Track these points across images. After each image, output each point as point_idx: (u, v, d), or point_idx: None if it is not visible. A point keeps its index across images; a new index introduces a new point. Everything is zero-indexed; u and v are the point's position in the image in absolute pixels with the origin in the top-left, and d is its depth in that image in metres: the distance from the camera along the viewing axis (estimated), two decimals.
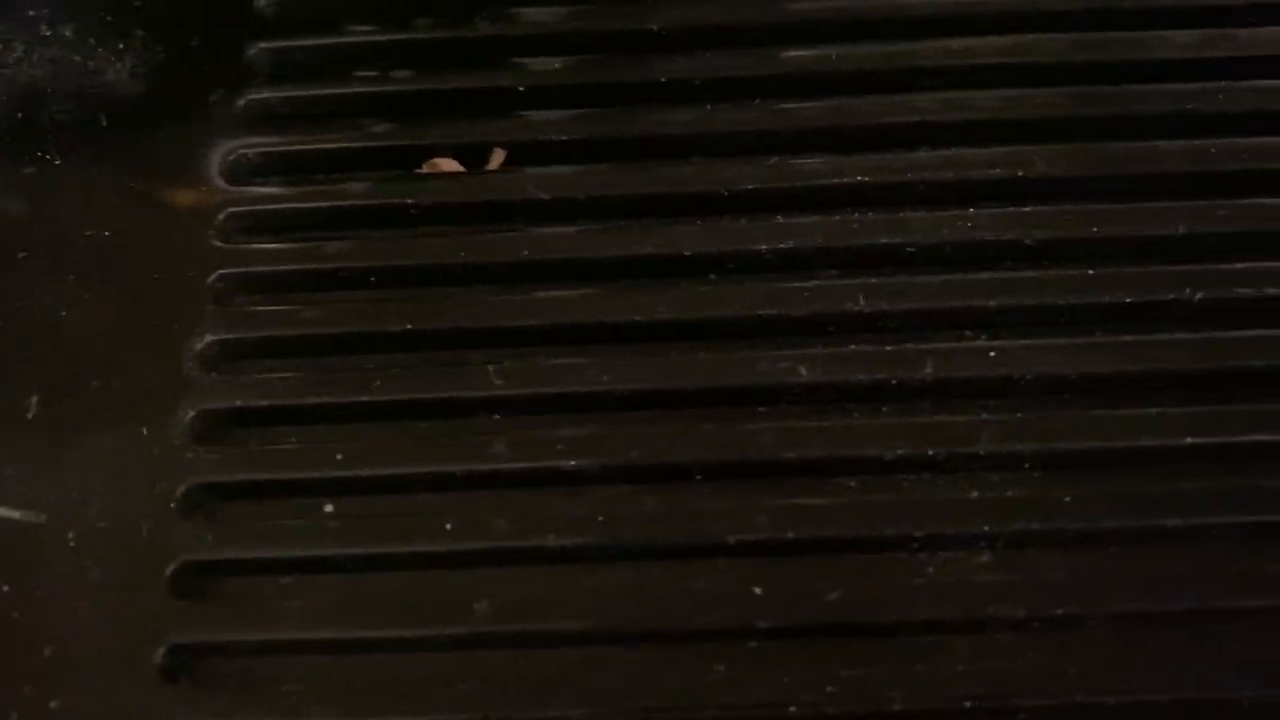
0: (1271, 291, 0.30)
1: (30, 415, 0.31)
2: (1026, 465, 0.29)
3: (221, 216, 0.33)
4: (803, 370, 0.30)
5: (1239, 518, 0.28)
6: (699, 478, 0.29)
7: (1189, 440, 0.29)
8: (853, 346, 0.30)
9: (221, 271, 0.32)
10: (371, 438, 0.30)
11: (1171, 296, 0.30)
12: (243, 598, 0.29)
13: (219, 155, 0.34)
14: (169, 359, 0.31)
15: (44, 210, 0.33)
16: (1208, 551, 0.28)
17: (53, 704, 0.27)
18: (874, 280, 0.31)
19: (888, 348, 0.30)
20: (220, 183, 0.34)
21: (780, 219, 0.32)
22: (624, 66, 0.34)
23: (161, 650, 0.28)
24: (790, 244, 0.31)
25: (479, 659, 0.28)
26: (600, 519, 0.29)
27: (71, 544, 0.29)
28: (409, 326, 0.31)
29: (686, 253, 0.31)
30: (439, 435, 0.30)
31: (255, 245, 0.33)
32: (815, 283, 0.31)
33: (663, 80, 0.34)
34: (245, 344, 0.31)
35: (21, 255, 0.32)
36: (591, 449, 0.29)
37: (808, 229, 0.32)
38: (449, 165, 0.33)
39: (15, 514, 0.29)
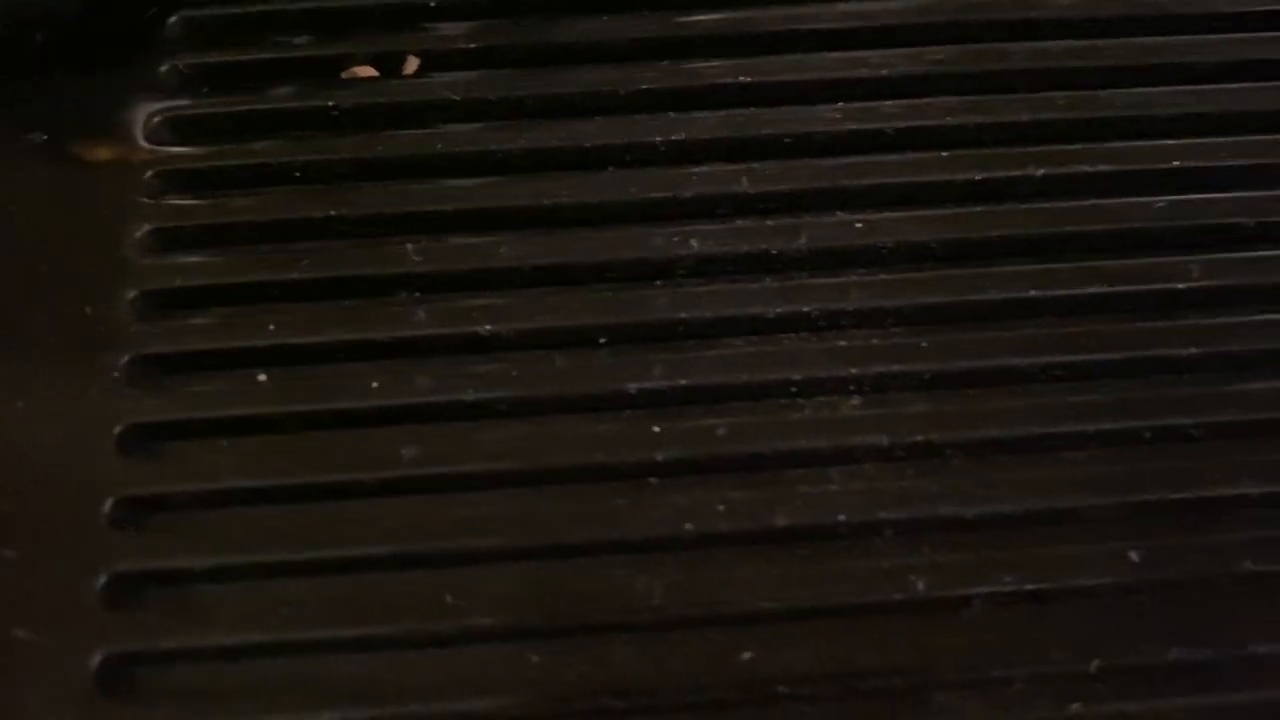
0: (1104, 168, 0.34)
1: None
2: (889, 320, 0.33)
3: (154, 122, 0.35)
4: (693, 244, 0.33)
5: (1074, 357, 0.32)
6: (602, 340, 0.33)
7: (1031, 293, 0.33)
8: (738, 223, 0.34)
9: (154, 170, 0.34)
10: (300, 312, 0.33)
11: (1017, 173, 0.34)
12: (184, 456, 0.31)
13: (150, 72, 0.36)
14: (108, 246, 0.33)
15: None
16: (1048, 387, 0.32)
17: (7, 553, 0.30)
18: (756, 166, 0.34)
19: (768, 223, 0.34)
20: (151, 98, 0.36)
21: (672, 115, 0.35)
22: None
23: (109, 502, 0.31)
24: (681, 136, 0.35)
25: (405, 502, 0.31)
26: (514, 374, 0.32)
27: (19, 413, 0.31)
28: (332, 213, 0.34)
29: (586, 145, 0.35)
30: (363, 307, 0.33)
31: (185, 148, 0.35)
32: (703, 169, 0.34)
33: None
34: (180, 232, 0.34)
35: None
36: (504, 316, 0.32)
37: (696, 123, 0.35)
38: (366, 72, 0.36)
39: None
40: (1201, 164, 0.34)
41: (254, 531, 0.30)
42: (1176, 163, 0.34)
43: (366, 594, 0.30)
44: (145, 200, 0.34)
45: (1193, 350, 0.32)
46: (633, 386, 0.32)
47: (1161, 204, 0.34)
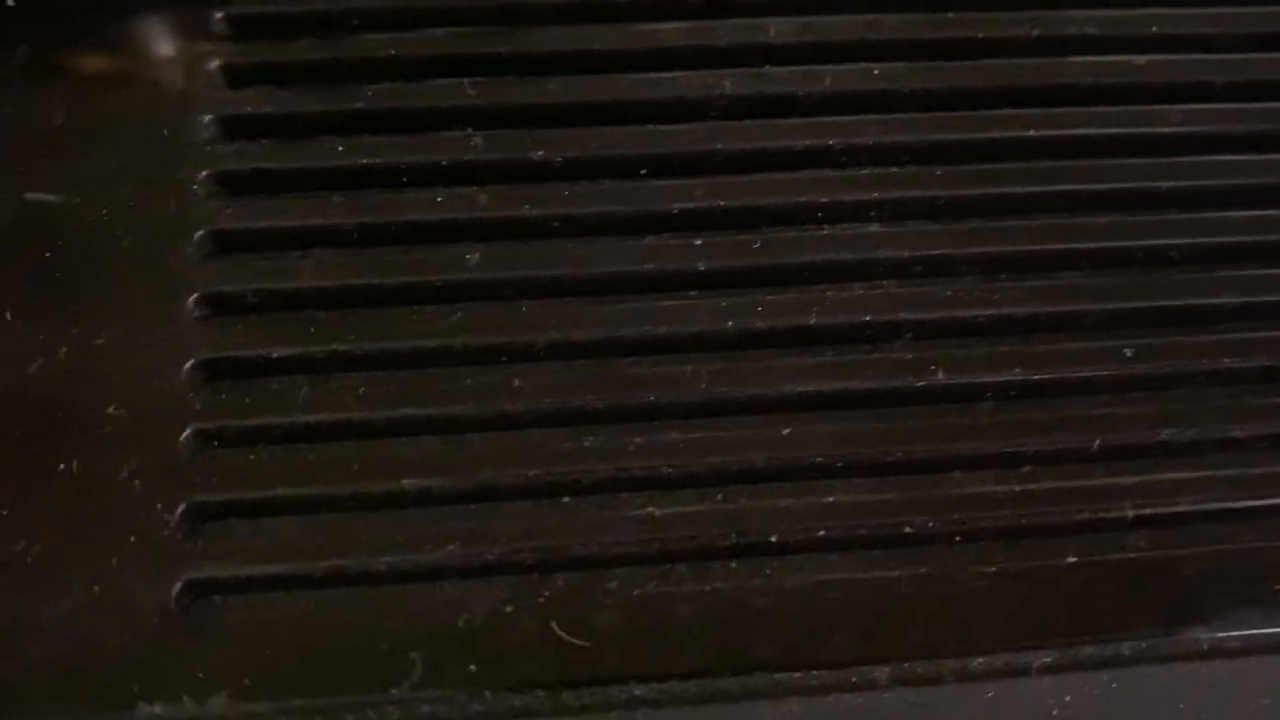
0: (1090, 31, 0.37)
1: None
2: (905, 156, 0.36)
3: None
4: (726, 85, 0.36)
5: (1070, 187, 0.35)
6: (643, 171, 0.35)
7: (1031, 133, 0.36)
8: (767, 69, 0.36)
9: (223, 14, 0.37)
10: (366, 140, 0.35)
11: (1014, 33, 0.37)
12: (259, 262, 0.33)
13: None
14: (182, 78, 0.36)
15: None
16: (1047, 215, 0.35)
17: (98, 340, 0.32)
18: (782, 20, 0.37)
19: (794, 69, 0.36)
20: None
21: None
22: None
23: (193, 298, 0.33)
24: None
25: (468, 305, 0.33)
26: (565, 195, 0.34)
27: (105, 219, 0.34)
28: (393, 52, 0.36)
29: (619, 2, 0.38)
30: (425, 139, 0.35)
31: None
32: (734, 21, 0.37)
33: None
34: (249, 68, 0.36)
35: None
36: (556, 145, 0.35)
37: None
38: None
39: (50, 198, 0.34)
40: (1176, 31, 0.38)
41: (326, 328, 0.33)
42: (1155, 29, 0.38)
43: (432, 382, 0.32)
44: (210, 45, 0.36)
45: (1172, 184, 0.36)
46: (675, 207, 0.35)
47: (1142, 62, 0.37)
